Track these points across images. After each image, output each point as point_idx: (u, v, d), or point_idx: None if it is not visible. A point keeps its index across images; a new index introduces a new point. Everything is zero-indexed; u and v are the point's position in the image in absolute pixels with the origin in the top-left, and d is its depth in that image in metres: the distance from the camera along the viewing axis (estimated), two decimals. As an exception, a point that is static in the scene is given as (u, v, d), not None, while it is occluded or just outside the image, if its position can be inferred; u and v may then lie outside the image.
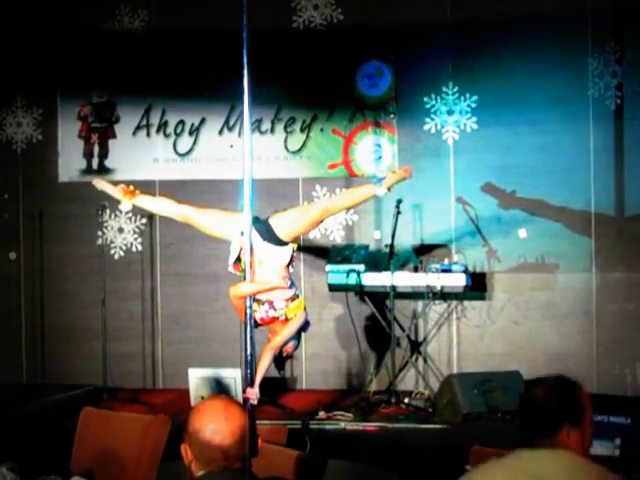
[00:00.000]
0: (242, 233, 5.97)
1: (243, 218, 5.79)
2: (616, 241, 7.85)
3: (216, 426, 2.74)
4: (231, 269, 6.16)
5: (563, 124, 7.85)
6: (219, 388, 7.35)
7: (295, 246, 6.17)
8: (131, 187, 5.95)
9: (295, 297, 6.16)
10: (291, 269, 6.07)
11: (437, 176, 8.13)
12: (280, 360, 6.04)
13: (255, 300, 5.75)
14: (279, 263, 6.00)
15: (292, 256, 6.07)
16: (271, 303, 6.06)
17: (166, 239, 8.63)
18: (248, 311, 5.98)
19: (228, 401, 2.90)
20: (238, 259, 6.02)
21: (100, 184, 6.07)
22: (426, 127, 8.18)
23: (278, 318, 6.09)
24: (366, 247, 8.08)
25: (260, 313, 6.03)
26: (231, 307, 5.99)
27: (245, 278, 5.93)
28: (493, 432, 6.60)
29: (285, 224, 6.02)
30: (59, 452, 5.01)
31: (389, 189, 6.00)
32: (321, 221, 6.10)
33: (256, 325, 5.92)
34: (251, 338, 6.04)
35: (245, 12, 6.10)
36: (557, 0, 7.89)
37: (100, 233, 8.51)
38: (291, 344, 6.09)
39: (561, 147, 7.89)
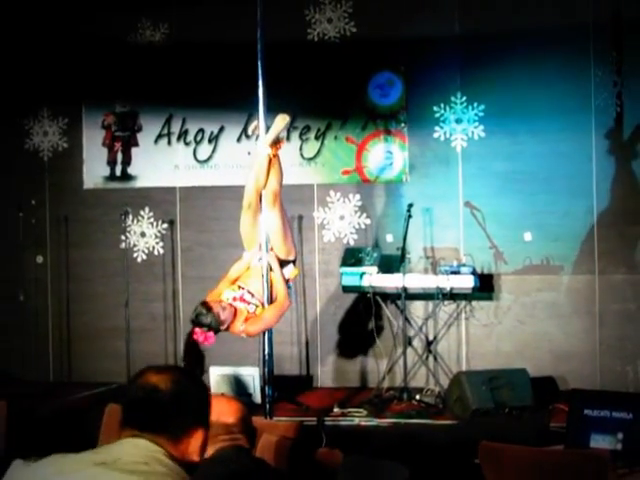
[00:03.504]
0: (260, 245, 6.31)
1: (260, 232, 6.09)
2: (618, 244, 7.93)
3: (219, 409, 3.03)
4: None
5: (566, 132, 7.93)
6: (238, 385, 7.54)
7: (297, 272, 6.52)
8: (281, 146, 6.31)
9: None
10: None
11: (446, 182, 8.25)
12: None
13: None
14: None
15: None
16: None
17: (186, 243, 8.78)
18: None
19: (230, 396, 3.25)
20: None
21: (284, 121, 6.31)
22: (435, 135, 8.29)
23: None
24: (378, 250, 8.17)
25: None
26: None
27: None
28: (501, 427, 6.74)
29: (275, 244, 6.33)
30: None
31: (277, 145, 6.24)
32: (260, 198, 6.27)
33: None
34: (269, 339, 6.30)
35: (260, 25, 6.37)
36: (560, 14, 7.98)
37: (123, 237, 8.66)
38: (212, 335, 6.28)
39: (564, 155, 7.97)
